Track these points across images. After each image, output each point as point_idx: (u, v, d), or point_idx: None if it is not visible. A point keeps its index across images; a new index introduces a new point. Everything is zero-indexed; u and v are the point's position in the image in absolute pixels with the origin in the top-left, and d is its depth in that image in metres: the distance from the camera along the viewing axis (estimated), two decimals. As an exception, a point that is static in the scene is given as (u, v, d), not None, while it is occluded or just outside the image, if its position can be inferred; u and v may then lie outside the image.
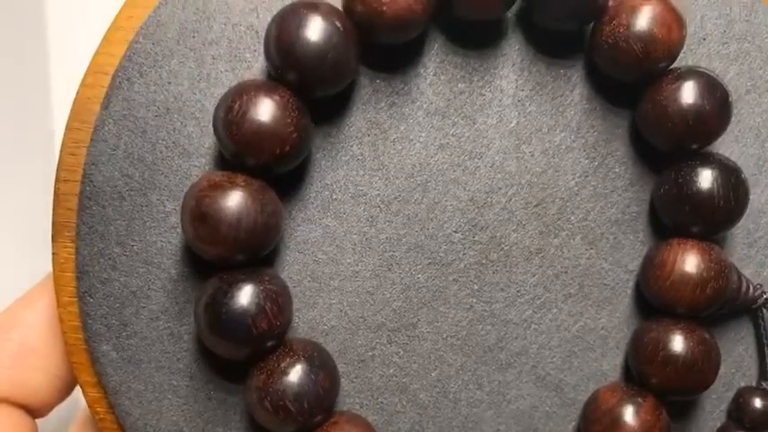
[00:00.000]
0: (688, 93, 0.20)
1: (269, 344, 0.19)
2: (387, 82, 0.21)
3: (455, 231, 0.21)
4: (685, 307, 0.20)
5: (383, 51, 0.21)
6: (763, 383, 0.22)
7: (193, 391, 0.21)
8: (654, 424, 0.20)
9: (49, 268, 0.21)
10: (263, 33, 0.20)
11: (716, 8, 0.22)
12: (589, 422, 0.21)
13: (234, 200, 0.18)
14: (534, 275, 0.22)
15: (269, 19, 0.20)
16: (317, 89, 0.19)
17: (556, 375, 0.22)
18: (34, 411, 0.22)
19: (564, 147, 0.22)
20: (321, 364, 0.19)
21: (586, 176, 0.22)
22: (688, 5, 0.22)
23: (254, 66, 0.21)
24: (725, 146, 0.22)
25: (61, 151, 0.21)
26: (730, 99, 0.20)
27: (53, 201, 0.21)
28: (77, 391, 0.22)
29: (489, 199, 0.21)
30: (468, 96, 0.21)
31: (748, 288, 0.21)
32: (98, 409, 0.21)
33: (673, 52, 0.20)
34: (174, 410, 0.20)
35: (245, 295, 0.19)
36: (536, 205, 0.22)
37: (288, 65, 0.19)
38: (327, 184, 0.21)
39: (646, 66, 0.20)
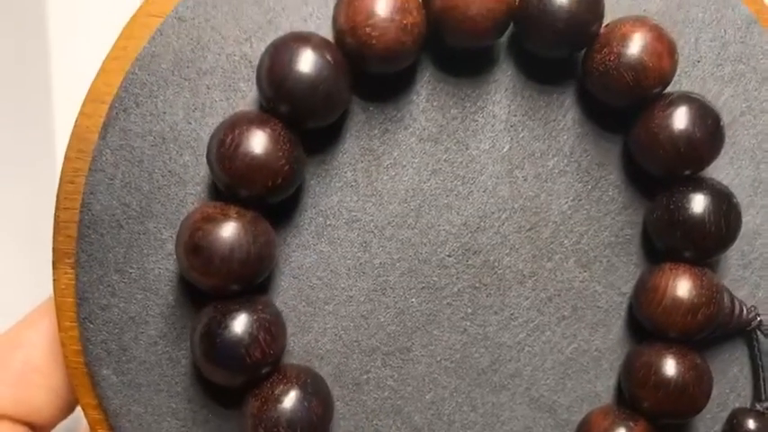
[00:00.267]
0: (679, 120, 0.20)
1: (263, 371, 0.20)
2: (380, 109, 0.21)
3: (448, 256, 0.22)
4: (677, 332, 0.20)
5: (376, 79, 0.21)
6: (758, 405, 0.22)
7: (192, 414, 0.21)
8: (645, 448, 0.20)
9: (50, 270, 0.21)
10: (257, 63, 0.20)
11: (710, 30, 0.22)
12: (581, 445, 0.21)
13: (226, 232, 0.19)
14: (527, 298, 0.22)
15: (263, 48, 0.20)
16: (308, 121, 0.20)
17: (549, 397, 0.22)
18: (37, 429, 0.23)
19: (557, 171, 0.22)
20: (314, 390, 0.20)
21: (579, 200, 0.22)
22: (681, 29, 0.22)
23: (249, 95, 0.21)
24: (720, 168, 0.22)
25: (61, 179, 0.21)
26: (722, 125, 0.20)
27: (53, 228, 0.21)
28: (79, 409, 0.23)
29: (482, 223, 0.22)
30: (461, 122, 0.21)
31: (741, 311, 0.21)
32: (99, 431, 0.21)
33: (664, 79, 0.20)
34: (173, 433, 0.21)
35: (239, 325, 0.19)
36: (529, 229, 0.22)
37: (280, 97, 0.19)
38: (321, 210, 0.21)
39: (637, 93, 0.20)
